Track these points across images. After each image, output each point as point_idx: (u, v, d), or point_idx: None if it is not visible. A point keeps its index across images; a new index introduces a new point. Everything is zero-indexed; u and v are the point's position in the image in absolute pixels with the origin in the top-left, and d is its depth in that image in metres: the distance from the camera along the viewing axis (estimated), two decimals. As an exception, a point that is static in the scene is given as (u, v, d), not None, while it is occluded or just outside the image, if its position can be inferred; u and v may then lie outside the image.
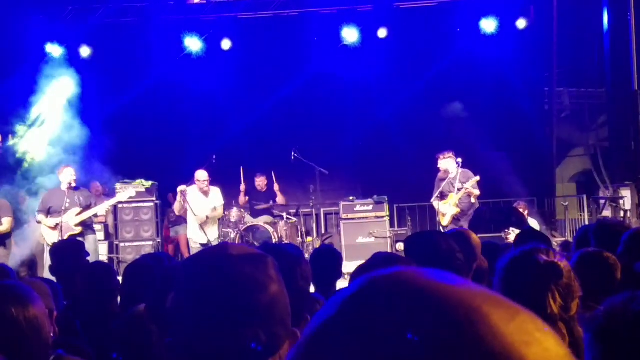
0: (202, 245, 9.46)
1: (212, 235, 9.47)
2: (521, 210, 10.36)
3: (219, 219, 10.05)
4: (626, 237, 3.33)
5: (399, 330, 0.56)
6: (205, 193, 9.58)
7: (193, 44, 12.66)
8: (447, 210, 9.73)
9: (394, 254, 2.65)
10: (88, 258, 4.79)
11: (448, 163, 9.71)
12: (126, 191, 9.85)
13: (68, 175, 8.77)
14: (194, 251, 9.72)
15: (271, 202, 11.41)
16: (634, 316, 1.37)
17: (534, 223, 10.37)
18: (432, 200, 10.05)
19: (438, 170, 9.95)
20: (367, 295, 0.60)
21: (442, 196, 9.78)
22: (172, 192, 12.62)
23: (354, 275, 2.63)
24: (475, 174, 9.85)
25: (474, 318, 0.56)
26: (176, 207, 9.62)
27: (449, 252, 2.94)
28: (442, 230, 9.64)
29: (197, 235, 9.49)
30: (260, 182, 11.53)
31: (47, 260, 7.05)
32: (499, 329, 0.56)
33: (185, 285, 1.13)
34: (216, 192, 9.72)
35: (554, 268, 2.29)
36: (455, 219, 9.69)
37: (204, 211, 9.41)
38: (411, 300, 0.58)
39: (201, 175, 9.59)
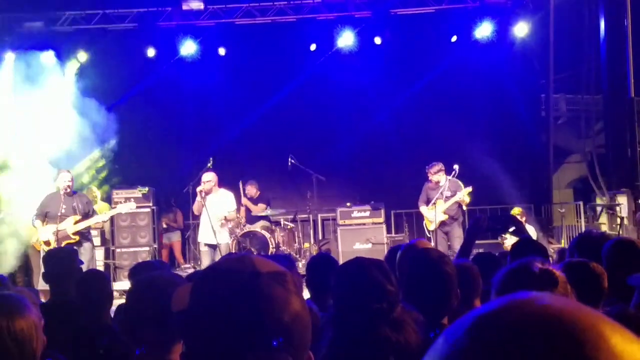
0: (210, 246, 9.39)
1: (223, 238, 9.42)
2: (518, 217, 10.37)
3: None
4: (605, 250, 3.30)
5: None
6: (207, 193, 9.44)
7: (190, 49, 12.66)
8: (435, 216, 9.86)
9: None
10: (84, 265, 4.77)
11: (439, 176, 10.04)
12: (127, 204, 9.82)
13: (62, 181, 8.64)
14: (202, 254, 9.61)
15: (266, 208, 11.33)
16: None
17: (531, 230, 10.36)
18: (420, 207, 10.29)
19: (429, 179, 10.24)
20: (484, 329, 0.59)
21: (431, 202, 10.02)
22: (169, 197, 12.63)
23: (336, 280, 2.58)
24: (471, 181, 10.06)
25: (594, 338, 0.55)
26: (195, 206, 9.61)
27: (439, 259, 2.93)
28: (429, 235, 9.84)
29: (206, 237, 9.43)
30: (251, 189, 11.41)
31: (42, 266, 7.02)
32: (620, 351, 0.55)
33: (206, 298, 1.10)
34: (229, 196, 9.65)
35: (549, 275, 2.28)
36: (443, 223, 9.95)
37: (217, 212, 9.35)
38: (533, 329, 0.57)
39: (204, 176, 9.54)
